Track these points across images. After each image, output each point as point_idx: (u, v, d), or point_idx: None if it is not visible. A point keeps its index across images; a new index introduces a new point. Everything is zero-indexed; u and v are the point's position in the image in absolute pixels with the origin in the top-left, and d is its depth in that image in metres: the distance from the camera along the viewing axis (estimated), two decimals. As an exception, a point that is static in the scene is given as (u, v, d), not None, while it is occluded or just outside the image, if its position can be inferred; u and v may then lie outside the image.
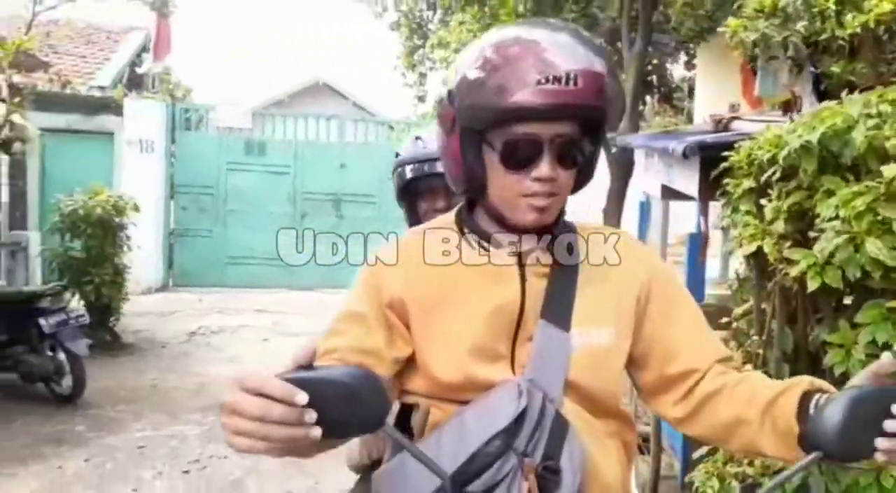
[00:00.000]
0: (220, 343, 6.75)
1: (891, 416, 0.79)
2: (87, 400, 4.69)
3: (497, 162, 1.05)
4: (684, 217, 5.07)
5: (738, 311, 2.21)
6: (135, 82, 10.78)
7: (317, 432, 0.72)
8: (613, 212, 5.73)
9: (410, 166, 1.74)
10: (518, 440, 0.98)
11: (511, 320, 1.07)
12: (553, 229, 1.11)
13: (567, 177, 1.06)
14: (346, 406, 0.76)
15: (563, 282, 1.09)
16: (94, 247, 6.20)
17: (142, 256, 7.56)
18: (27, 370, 4.73)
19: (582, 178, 1.10)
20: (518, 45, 1.01)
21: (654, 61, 8.87)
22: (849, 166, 1.66)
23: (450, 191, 1.63)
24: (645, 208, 4.40)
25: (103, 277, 6.16)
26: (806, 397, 0.93)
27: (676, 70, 11.75)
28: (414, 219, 1.74)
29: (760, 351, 2.03)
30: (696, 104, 9.12)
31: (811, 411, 0.90)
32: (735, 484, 1.93)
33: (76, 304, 5.82)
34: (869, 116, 1.59)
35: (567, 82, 0.97)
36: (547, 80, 0.97)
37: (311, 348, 0.78)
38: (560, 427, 1.01)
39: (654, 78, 9.60)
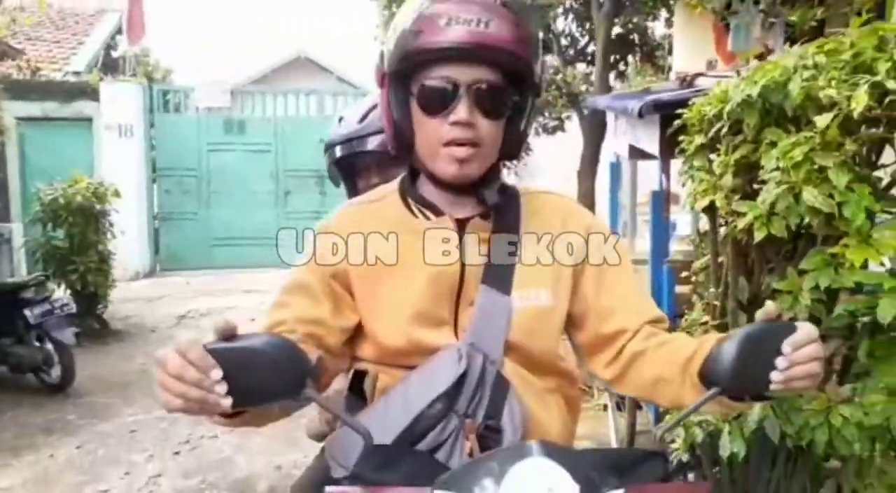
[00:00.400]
0: (209, 325, 6.71)
1: (780, 351, 0.84)
2: (77, 388, 4.75)
3: (418, 109, 1.08)
4: (655, 176, 5.12)
5: (696, 264, 2.25)
6: (111, 66, 10.65)
7: (227, 401, 0.76)
8: (587, 174, 5.76)
9: (339, 146, 1.76)
10: (459, 402, 1.02)
11: (452, 286, 1.11)
12: (484, 191, 1.12)
13: (489, 127, 1.07)
14: (262, 374, 0.80)
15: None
16: (76, 235, 6.19)
17: (127, 241, 7.55)
18: (16, 362, 4.77)
19: (513, 136, 1.12)
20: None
21: (635, 20, 8.81)
22: (790, 118, 1.69)
23: (382, 167, 1.67)
24: (615, 169, 4.42)
25: (88, 265, 6.17)
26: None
27: (658, 28, 11.68)
28: (354, 195, 1.77)
29: (718, 302, 2.08)
30: (675, 62, 9.08)
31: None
32: (698, 431, 1.99)
33: (62, 293, 5.84)
34: (805, 67, 1.61)
35: (478, 24, 1.01)
36: (457, 21, 1.01)
37: (232, 322, 0.82)
38: (501, 387, 1.05)
39: (636, 36, 9.53)
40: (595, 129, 5.65)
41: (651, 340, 1.10)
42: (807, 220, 1.58)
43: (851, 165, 1.54)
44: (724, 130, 1.84)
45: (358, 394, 1.15)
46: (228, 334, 0.82)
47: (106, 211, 6.49)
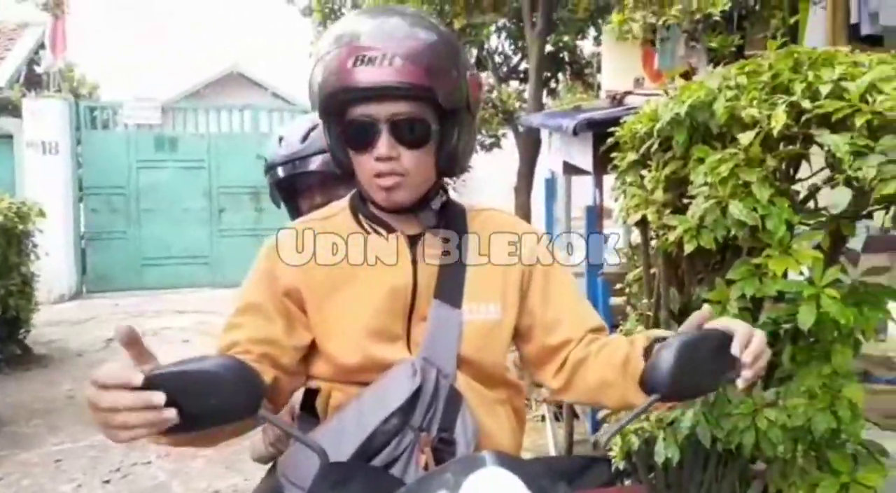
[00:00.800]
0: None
1: (716, 354, 0.89)
2: (-2, 418, 4.52)
3: (348, 147, 1.11)
4: (589, 191, 5.25)
5: (630, 276, 2.33)
6: (34, 82, 10.26)
7: (170, 414, 0.75)
8: (524, 190, 5.87)
9: (281, 167, 1.75)
10: (414, 417, 1.04)
11: (405, 302, 1.13)
12: (420, 213, 1.15)
13: (413, 157, 1.09)
14: (214, 396, 0.80)
15: (452, 263, 1.15)
16: (-3, 257, 5.90)
17: (52, 262, 7.25)
18: (-69, 391, 4.51)
19: (446, 155, 1.14)
20: (344, 34, 1.07)
21: (565, 39, 9.05)
22: (715, 135, 1.77)
23: (325, 186, 1.67)
24: (550, 185, 4.53)
25: (10, 288, 5.87)
26: (648, 351, 1.03)
27: (587, 47, 12.02)
28: (297, 217, 1.75)
29: (651, 312, 2.15)
30: (604, 79, 9.37)
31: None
32: (634, 438, 2.05)
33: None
34: (728, 87, 1.70)
35: (382, 62, 1.03)
36: (362, 62, 1.03)
37: (125, 329, 0.81)
38: (454, 400, 1.07)
39: (566, 55, 9.78)
40: (530, 146, 5.77)
41: (591, 346, 1.15)
42: (733, 232, 1.66)
43: (772, 180, 1.63)
44: (655, 146, 1.92)
45: (310, 412, 1.15)
46: (130, 340, 0.80)
47: (29, 231, 6.21)
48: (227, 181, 10.26)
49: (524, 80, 8.15)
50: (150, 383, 0.75)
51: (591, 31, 10.43)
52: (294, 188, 1.75)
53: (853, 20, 4.43)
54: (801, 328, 1.64)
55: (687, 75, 5.75)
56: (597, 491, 0.73)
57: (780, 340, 1.77)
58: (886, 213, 1.65)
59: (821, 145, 1.58)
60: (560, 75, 9.37)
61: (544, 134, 4.11)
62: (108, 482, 3.50)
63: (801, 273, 1.68)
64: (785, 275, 1.64)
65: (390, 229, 1.16)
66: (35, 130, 9.02)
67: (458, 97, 1.11)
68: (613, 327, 2.53)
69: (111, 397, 0.75)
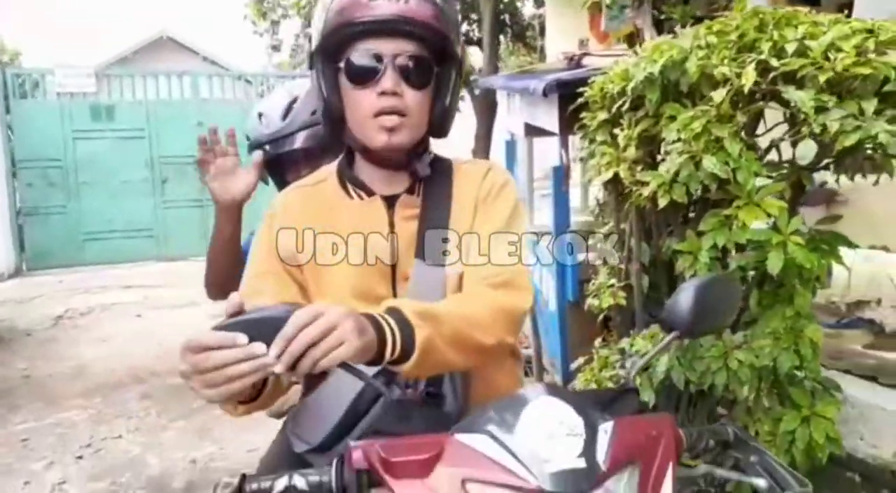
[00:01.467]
0: (91, 324, 6.43)
1: (727, 297, 0.97)
2: (-48, 400, 4.38)
3: (347, 83, 1.13)
4: (547, 152, 5.33)
5: (600, 232, 2.42)
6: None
7: (272, 359, 0.79)
8: (481, 152, 5.93)
9: (268, 147, 1.78)
10: (399, 376, 1.04)
11: (385, 263, 1.16)
12: (416, 163, 1.18)
13: (416, 97, 1.13)
14: None
15: (433, 220, 1.17)
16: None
17: (-14, 240, 6.98)
18: None
19: (440, 107, 1.17)
20: None
21: (506, 1, 9.05)
22: (686, 93, 1.85)
23: (310, 159, 1.71)
24: (511, 147, 4.60)
25: (-52, 267, 5.67)
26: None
27: (526, 8, 12.03)
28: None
29: (623, 266, 2.25)
30: (548, 42, 9.43)
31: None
32: (611, 386, 2.16)
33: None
34: (699, 47, 1.78)
35: (398, 1, 1.08)
36: None
37: (238, 300, 0.84)
38: None
39: (507, 17, 9.80)
40: (486, 108, 5.82)
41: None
42: (707, 185, 1.75)
43: (741, 136, 1.73)
44: (627, 105, 1.99)
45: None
46: (237, 311, 0.84)
47: (-37, 208, 5.97)
48: (169, 151, 9.95)
49: (472, 43, 8.14)
50: (231, 328, 0.79)
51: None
52: (279, 163, 1.77)
53: (793, -20, 4.59)
54: (767, 274, 1.76)
55: (632, 36, 5.86)
56: (629, 418, 0.80)
57: (746, 285, 1.89)
58: (839, 164, 1.77)
59: (784, 102, 1.69)
60: (501, 38, 9.39)
61: (502, 96, 4.15)
62: (80, 457, 3.47)
63: (766, 223, 1.79)
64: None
65: (371, 193, 1.20)
66: (-41, 100, 8.57)
67: (457, 49, 1.16)
68: (585, 281, 2.63)
69: (218, 356, 0.79)
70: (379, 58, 1.10)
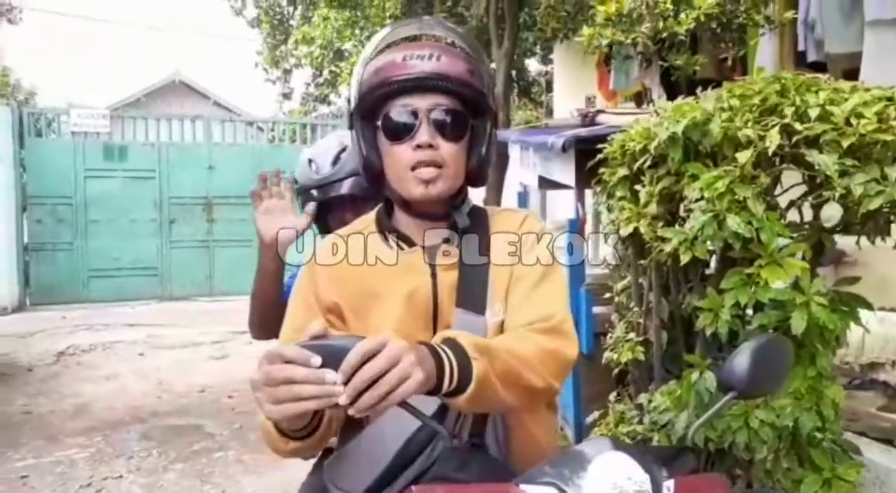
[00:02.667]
0: (93, 361, 6.39)
1: (782, 359, 0.99)
2: (-48, 435, 4.33)
3: (384, 139, 1.17)
4: (557, 205, 5.38)
5: (618, 287, 2.43)
6: (-31, 87, 9.89)
7: (339, 389, 0.79)
8: (493, 203, 5.99)
9: (315, 191, 1.84)
10: (446, 425, 1.06)
11: (428, 312, 1.17)
12: (455, 214, 1.20)
13: (451, 149, 1.16)
14: None
15: (473, 270, 1.19)
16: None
17: (-7, 275, 6.99)
18: None
19: (476, 157, 1.20)
20: (392, 39, 1.20)
21: (514, 57, 9.27)
22: (708, 153, 1.89)
23: (355, 204, 1.76)
24: (523, 198, 4.65)
25: (-45, 300, 5.66)
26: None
27: (532, 65, 12.29)
28: (327, 233, 1.82)
29: (641, 321, 2.26)
30: (556, 98, 9.62)
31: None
32: (628, 442, 2.14)
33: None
34: (722, 109, 1.83)
35: (430, 58, 1.13)
36: (412, 58, 1.13)
37: (321, 322, 0.86)
38: None
39: (514, 73, 10.01)
40: (498, 160, 5.90)
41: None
42: (725, 244, 1.78)
43: (764, 196, 1.76)
44: (648, 163, 2.03)
45: (350, 419, 1.20)
46: (321, 334, 0.85)
47: (-26, 242, 6.00)
48: (178, 192, 10.07)
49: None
50: (309, 349, 0.80)
51: (538, 51, 10.70)
52: (325, 207, 1.82)
53: (800, 48, 4.72)
54: (787, 334, 1.77)
55: (639, 95, 5.99)
56: (686, 477, 0.81)
57: (767, 344, 1.89)
58: (863, 226, 1.80)
59: (806, 164, 1.73)
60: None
61: (513, 149, 4.22)
62: (80, 497, 3.41)
63: (785, 283, 1.81)
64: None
65: (411, 244, 1.22)
66: (-25, 136, 8.70)
67: (491, 100, 1.21)
68: (599, 334, 2.64)
69: (289, 370, 0.80)
70: (415, 113, 1.14)
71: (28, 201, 9.36)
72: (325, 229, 1.83)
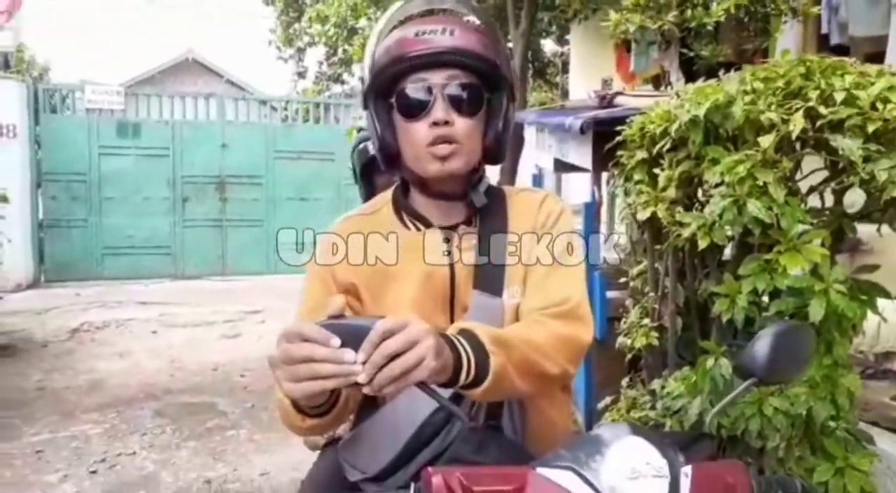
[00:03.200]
0: (107, 338, 6.45)
1: (804, 346, 0.97)
2: (-33, 408, 4.40)
3: (399, 116, 1.15)
4: (572, 188, 5.35)
5: (633, 271, 2.41)
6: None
7: (358, 368, 0.79)
8: (507, 184, 5.96)
9: (370, 145, 1.84)
10: (463, 406, 1.06)
11: (445, 294, 1.17)
12: (472, 194, 1.18)
13: (466, 124, 1.14)
14: None
15: (491, 250, 1.18)
16: (-43, 243, 5.73)
17: (9, 250, 7.04)
18: None
19: (493, 133, 1.18)
20: (404, 16, 1.18)
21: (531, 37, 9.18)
22: (729, 137, 1.86)
23: None
24: (537, 181, 4.62)
25: (-28, 275, 5.72)
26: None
27: (547, 46, 12.17)
28: (370, 193, 1.82)
29: (656, 306, 2.24)
30: (571, 79, 9.54)
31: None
32: (644, 427, 2.14)
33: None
34: (745, 92, 1.79)
35: (443, 33, 1.11)
36: (424, 33, 1.11)
37: (341, 303, 0.85)
38: None
39: (530, 54, 9.91)
40: (514, 142, 5.85)
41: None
42: (750, 229, 1.75)
43: (786, 181, 1.73)
44: (668, 146, 2.00)
45: (364, 400, 1.19)
46: (339, 313, 0.84)
47: (-9, 217, 6.05)
48: (192, 170, 10.09)
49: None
50: (329, 328, 0.79)
51: (553, 31, 10.58)
52: (375, 165, 1.81)
53: (823, 30, 4.64)
54: (805, 321, 1.74)
55: (658, 78, 5.92)
56: (704, 463, 0.80)
57: (784, 331, 1.87)
58: (884, 213, 1.77)
59: (830, 149, 1.69)
60: (523, 74, 9.50)
61: (530, 131, 4.19)
62: (94, 472, 3.45)
63: (804, 269, 1.79)
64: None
65: (428, 224, 1.21)
66: (-10, 112, 8.73)
67: (507, 73, 1.18)
68: (613, 319, 2.62)
69: (309, 348, 0.80)
70: (429, 89, 1.12)
71: (43, 178, 9.41)
72: (371, 188, 1.82)
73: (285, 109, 11.58)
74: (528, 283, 1.16)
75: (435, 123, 1.11)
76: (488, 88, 1.17)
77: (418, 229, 1.21)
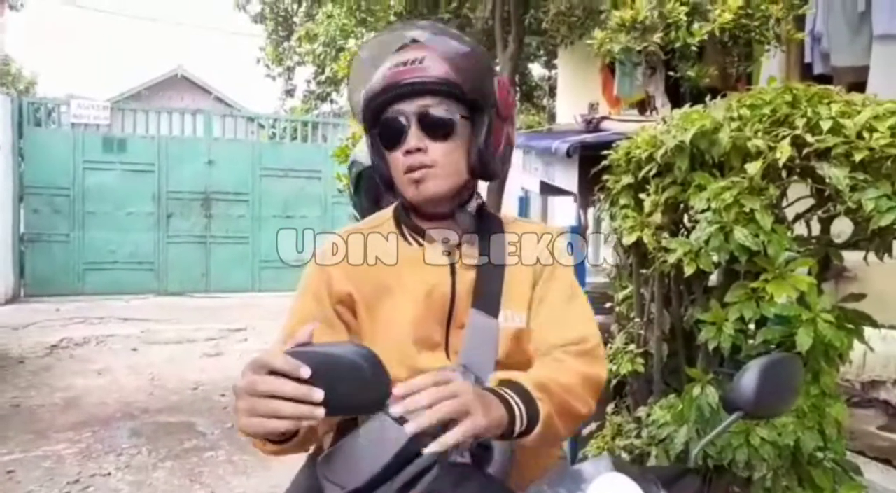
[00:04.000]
0: (86, 355, 6.33)
1: (791, 378, 0.95)
2: (-61, 426, 4.28)
3: (382, 147, 1.19)
4: (558, 211, 5.34)
5: (618, 296, 2.39)
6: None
7: (320, 411, 0.76)
8: (493, 206, 5.94)
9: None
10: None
11: (444, 310, 1.17)
12: (459, 213, 1.19)
13: (440, 149, 1.15)
14: (351, 384, 0.78)
15: (490, 272, 1.19)
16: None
17: (-11, 264, 6.94)
18: None
19: (476, 150, 1.17)
20: (378, 49, 1.20)
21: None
22: (715, 164, 1.86)
23: None
24: (524, 203, 4.62)
25: (-52, 289, 5.61)
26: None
27: (535, 70, 12.29)
28: (371, 208, 1.81)
29: (642, 332, 2.22)
30: (559, 103, 9.61)
31: None
32: (625, 455, 2.10)
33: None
34: (732, 118, 1.79)
35: (413, 63, 1.14)
36: (396, 65, 1.15)
37: (310, 329, 0.83)
38: None
39: (517, 77, 9.99)
40: (500, 163, 5.86)
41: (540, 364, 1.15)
42: (731, 256, 1.74)
43: (772, 209, 1.72)
44: (654, 171, 1.99)
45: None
46: (306, 340, 0.82)
47: (-29, 230, 5.95)
48: (177, 186, 10.03)
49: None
50: (299, 357, 0.75)
51: (541, 55, 10.68)
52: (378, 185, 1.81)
53: (807, 60, 4.70)
54: (791, 350, 1.73)
55: (643, 103, 5.96)
56: None
57: (770, 360, 1.85)
58: (870, 243, 1.77)
59: (817, 177, 1.69)
60: (511, 97, 9.57)
61: (516, 153, 4.19)
62: (66, 494, 3.36)
63: (790, 297, 1.77)
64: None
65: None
66: (-26, 124, 8.66)
67: (484, 94, 1.18)
68: (598, 344, 2.59)
69: (275, 384, 0.77)
70: (404, 117, 1.15)
71: (25, 191, 9.31)
72: (374, 207, 1.82)
73: (273, 126, 11.58)
74: (539, 314, 1.17)
75: (408, 152, 1.14)
76: (467, 109, 1.17)
77: (420, 245, 1.21)
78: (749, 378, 0.98)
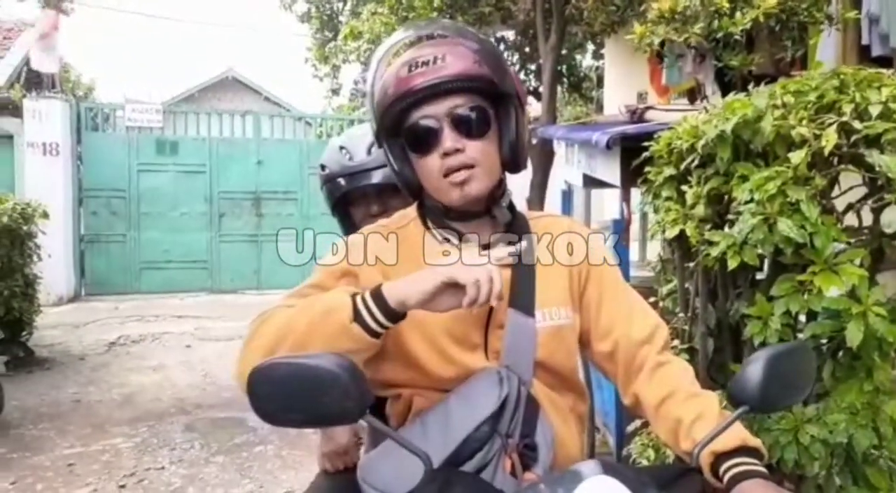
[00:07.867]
0: (142, 352, 6.54)
1: (801, 369, 0.92)
2: (4, 420, 4.46)
3: (412, 152, 1.15)
4: (603, 203, 5.27)
5: (663, 291, 2.35)
6: (33, 82, 10.21)
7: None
8: (537, 201, 5.90)
9: (342, 179, 1.76)
10: (501, 424, 1.07)
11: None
12: (496, 210, 1.19)
13: (478, 146, 1.13)
14: (324, 394, 0.79)
15: (524, 271, 1.18)
16: (1, 258, 5.86)
17: (51, 264, 7.20)
18: (-60, 391, 4.45)
19: (507, 144, 1.16)
20: (392, 52, 1.17)
21: (564, 52, 9.13)
22: (758, 153, 1.80)
23: (383, 197, 1.70)
24: (567, 197, 4.57)
25: (13, 289, 5.83)
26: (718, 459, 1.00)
27: (584, 60, 12.12)
28: (349, 226, 1.76)
29: (686, 327, 2.17)
30: (606, 93, 9.46)
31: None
32: (669, 452, 2.06)
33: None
34: (775, 106, 1.73)
35: (436, 62, 1.10)
36: (416, 66, 1.10)
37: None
38: (532, 407, 1.11)
39: (564, 68, 9.86)
40: (543, 157, 5.81)
41: (645, 367, 1.17)
42: (776, 249, 1.68)
43: (819, 199, 1.66)
44: (696, 162, 1.94)
45: (379, 418, 1.16)
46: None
47: (32, 233, 6.18)
48: (228, 186, 10.25)
49: (530, 93, 8.20)
50: (264, 372, 0.75)
51: (589, 47, 10.53)
52: (349, 197, 1.76)
53: (864, 41, 4.50)
54: (842, 345, 1.66)
55: (692, 91, 5.82)
56: None
57: (820, 355, 1.79)
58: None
59: (866, 165, 1.62)
60: (558, 88, 9.44)
61: (559, 146, 4.14)
62: (123, 486, 3.48)
63: (841, 290, 1.71)
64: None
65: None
66: (36, 130, 8.99)
67: (509, 84, 1.16)
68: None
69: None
70: (435, 120, 1.12)
71: (84, 194, 9.65)
72: (348, 222, 1.78)
73: (320, 125, 11.71)
74: (602, 314, 1.20)
75: (446, 154, 1.11)
76: (493, 104, 1.16)
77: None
78: (752, 372, 0.94)
